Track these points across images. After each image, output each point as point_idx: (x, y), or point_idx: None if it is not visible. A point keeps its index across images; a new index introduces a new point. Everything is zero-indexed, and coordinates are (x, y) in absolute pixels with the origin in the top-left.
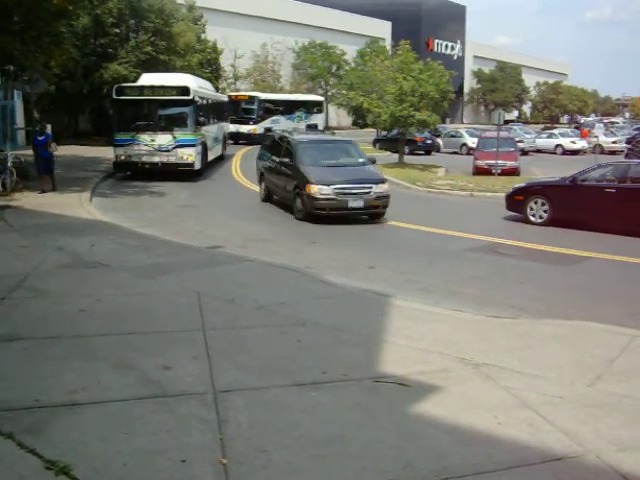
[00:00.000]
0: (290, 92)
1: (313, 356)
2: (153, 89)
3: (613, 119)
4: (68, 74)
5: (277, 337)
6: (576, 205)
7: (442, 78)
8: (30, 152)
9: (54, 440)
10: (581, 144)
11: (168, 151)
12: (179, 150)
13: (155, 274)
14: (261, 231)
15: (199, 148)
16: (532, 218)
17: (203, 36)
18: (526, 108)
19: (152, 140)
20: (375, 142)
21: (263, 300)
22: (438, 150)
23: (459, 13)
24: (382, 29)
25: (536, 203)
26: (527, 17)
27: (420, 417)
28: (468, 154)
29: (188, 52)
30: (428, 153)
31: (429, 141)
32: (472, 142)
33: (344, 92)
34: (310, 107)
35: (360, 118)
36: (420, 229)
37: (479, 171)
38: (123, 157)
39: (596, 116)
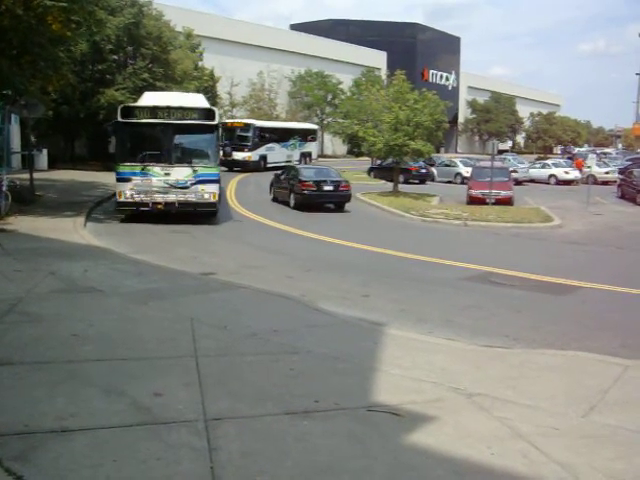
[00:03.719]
0: (286, 120)
1: (306, 384)
2: (169, 111)
3: (606, 150)
4: (65, 99)
5: (270, 365)
6: None
7: (437, 108)
8: (26, 176)
9: (43, 467)
10: (574, 174)
11: (186, 188)
12: (199, 187)
13: (148, 300)
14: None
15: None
16: None
17: (200, 64)
18: (520, 138)
19: (166, 174)
20: (370, 171)
21: (256, 327)
22: (432, 179)
23: (454, 44)
24: (378, 59)
25: None
26: (522, 49)
27: (413, 447)
28: (462, 183)
29: (185, 79)
30: (422, 182)
31: (423, 170)
32: (466, 171)
33: (340, 120)
34: (304, 135)
35: (355, 146)
36: (414, 258)
37: (473, 200)
38: (129, 195)
39: (589, 147)
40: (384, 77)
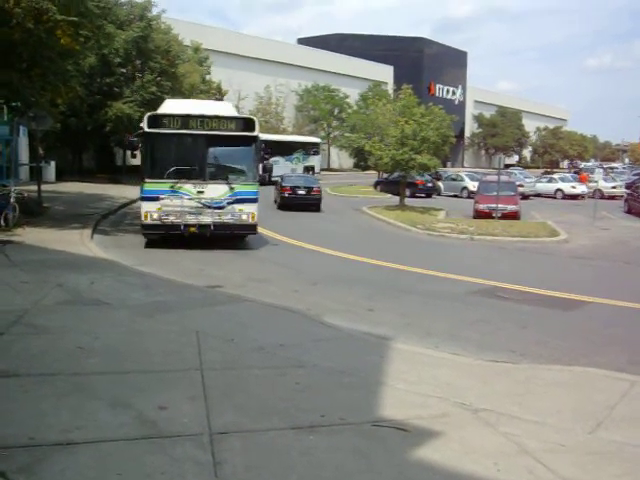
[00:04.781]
0: (293, 134)
1: (311, 399)
2: (203, 120)
3: (613, 164)
4: (73, 112)
5: (276, 379)
6: None
7: (443, 122)
8: (34, 188)
9: None
10: (581, 189)
11: (222, 208)
12: (236, 207)
13: (154, 313)
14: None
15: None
16: None
17: (208, 77)
18: (526, 152)
19: (200, 192)
20: (376, 184)
21: (262, 341)
22: (439, 193)
23: (460, 59)
24: (384, 73)
25: None
26: (528, 63)
27: (418, 462)
28: (469, 197)
29: (193, 93)
30: (429, 196)
31: (430, 184)
32: (473, 186)
33: (346, 134)
34: (308, 149)
35: (362, 160)
36: (420, 272)
37: (480, 214)
38: (157, 217)
39: (596, 161)
40: (391, 91)
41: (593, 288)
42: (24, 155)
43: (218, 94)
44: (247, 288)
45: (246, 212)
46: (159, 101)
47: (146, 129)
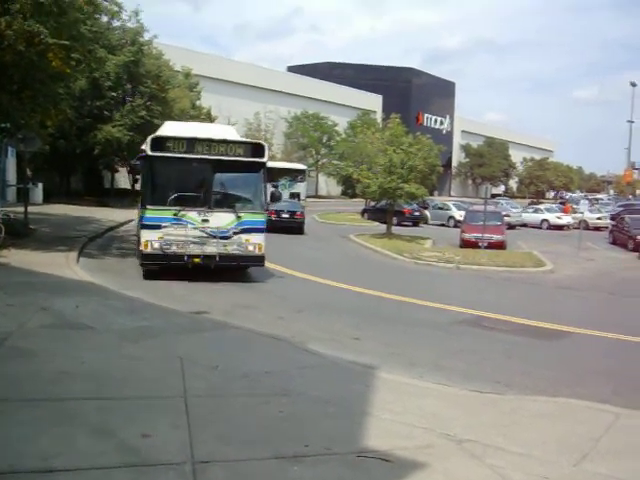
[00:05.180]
0: (282, 160)
1: (296, 428)
2: (210, 144)
3: (598, 195)
4: (62, 134)
5: (260, 407)
6: None
7: (431, 152)
8: (21, 209)
9: None
10: (566, 219)
11: (227, 238)
12: (243, 237)
13: (139, 338)
14: None
15: None
16: None
17: (198, 102)
18: (513, 183)
19: (204, 220)
20: (364, 212)
21: (247, 369)
22: (426, 222)
23: (449, 89)
24: (373, 102)
25: None
26: (516, 94)
27: None
28: (455, 227)
29: (182, 118)
30: (416, 225)
31: (417, 213)
32: (459, 215)
33: (334, 162)
34: (294, 175)
35: (349, 188)
36: (406, 300)
37: (466, 244)
38: (158, 246)
39: (581, 192)
40: (379, 120)
41: (578, 319)
42: (12, 176)
43: (208, 120)
44: (233, 315)
45: (253, 243)
46: (148, 125)
47: (149, 152)
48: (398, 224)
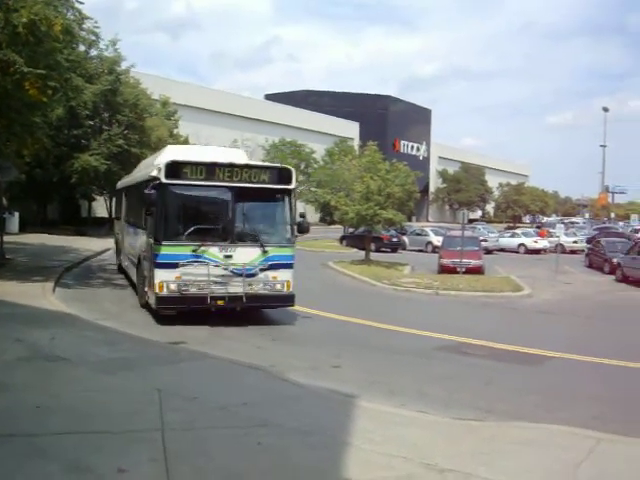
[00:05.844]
0: None
1: (274, 460)
2: (232, 170)
3: (573, 219)
4: (39, 163)
5: (238, 439)
6: None
7: (407, 178)
8: None
9: None
10: (543, 243)
11: (253, 275)
12: (270, 274)
13: (116, 370)
14: None
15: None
16: None
17: (176, 131)
18: (489, 208)
19: (227, 257)
20: (342, 239)
21: (225, 400)
22: (404, 248)
23: (425, 116)
24: (350, 129)
25: None
26: (491, 120)
27: None
28: (433, 252)
29: (160, 146)
30: (394, 251)
31: (395, 239)
32: (437, 240)
33: (312, 189)
34: None
35: (327, 215)
36: (385, 327)
37: (444, 269)
38: (175, 287)
39: (557, 216)
40: (356, 147)
41: (556, 343)
42: None
43: None
44: (210, 345)
45: (280, 280)
46: (126, 154)
47: (163, 180)
48: (376, 250)
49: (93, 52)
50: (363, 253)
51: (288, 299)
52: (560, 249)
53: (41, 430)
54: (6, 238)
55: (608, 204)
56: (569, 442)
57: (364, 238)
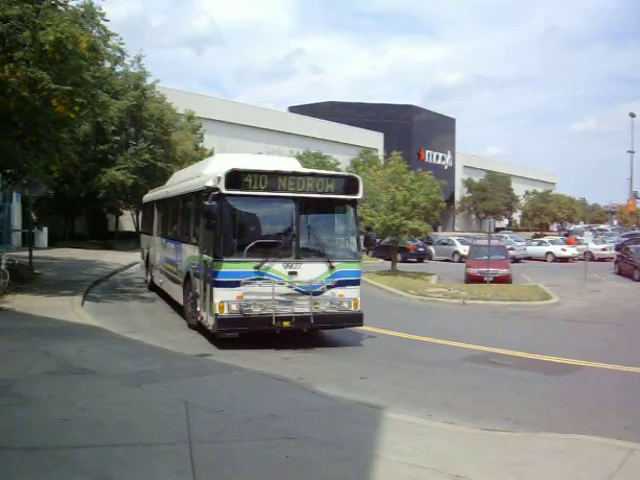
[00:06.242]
0: None
1: (302, 472)
2: (296, 179)
3: (602, 226)
4: (67, 178)
5: (265, 452)
6: None
7: (433, 188)
8: (25, 254)
9: None
10: (571, 251)
11: (319, 293)
12: (337, 292)
13: (142, 382)
14: None
15: None
16: None
17: (201, 144)
18: (516, 216)
19: (292, 273)
20: (368, 250)
21: (252, 412)
22: (430, 258)
23: (449, 125)
24: (375, 140)
25: None
26: (516, 129)
27: None
28: (460, 262)
29: (185, 160)
30: (420, 261)
31: (421, 249)
32: (464, 250)
33: None
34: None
35: None
36: (412, 338)
37: (471, 279)
38: (236, 308)
39: (585, 223)
40: (381, 157)
41: (586, 352)
42: (17, 221)
43: None
44: (237, 357)
45: (348, 298)
46: (152, 168)
47: (223, 190)
48: (403, 260)
49: (119, 68)
50: (389, 263)
51: (356, 318)
52: (589, 257)
53: (67, 443)
54: (35, 253)
55: (637, 210)
56: (600, 453)
57: (390, 248)
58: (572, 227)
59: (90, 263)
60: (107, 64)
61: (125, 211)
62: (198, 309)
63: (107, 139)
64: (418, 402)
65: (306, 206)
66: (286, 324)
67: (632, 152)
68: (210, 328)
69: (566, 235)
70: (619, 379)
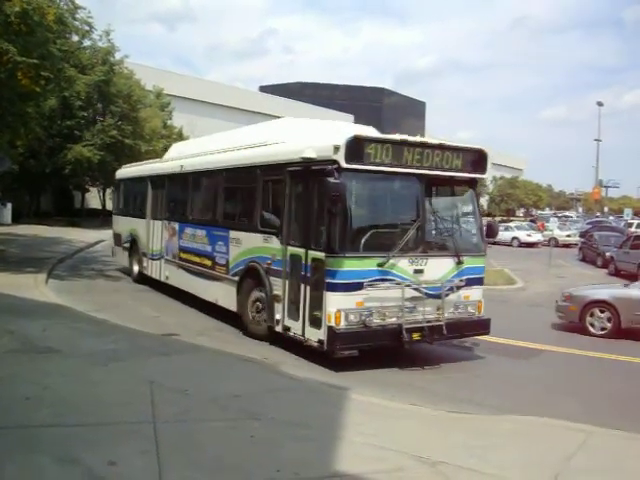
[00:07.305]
0: None
1: (266, 453)
2: (423, 151)
3: (567, 213)
4: (32, 153)
5: (230, 432)
6: None
7: None
8: None
9: None
10: (536, 237)
11: (446, 296)
12: (462, 293)
13: (107, 361)
14: None
15: None
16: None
17: (170, 122)
18: (483, 201)
19: (417, 272)
20: None
21: (217, 392)
22: None
23: (419, 109)
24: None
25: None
26: (487, 114)
27: None
28: None
29: (154, 137)
30: None
31: None
32: None
33: None
34: None
35: None
36: None
37: None
38: (358, 318)
39: (550, 210)
40: None
41: (549, 336)
42: None
43: (179, 139)
44: (204, 337)
45: (472, 301)
46: (119, 145)
47: (343, 164)
48: None
49: (86, 42)
50: None
51: (484, 325)
52: (553, 243)
53: (31, 422)
54: None
55: (602, 198)
56: (560, 435)
57: None
58: (538, 213)
59: (55, 240)
60: (75, 38)
61: (92, 188)
62: (277, 316)
63: (74, 114)
64: (382, 384)
65: (432, 186)
66: (416, 336)
67: (599, 140)
68: (314, 344)
69: (532, 221)
70: (580, 363)
